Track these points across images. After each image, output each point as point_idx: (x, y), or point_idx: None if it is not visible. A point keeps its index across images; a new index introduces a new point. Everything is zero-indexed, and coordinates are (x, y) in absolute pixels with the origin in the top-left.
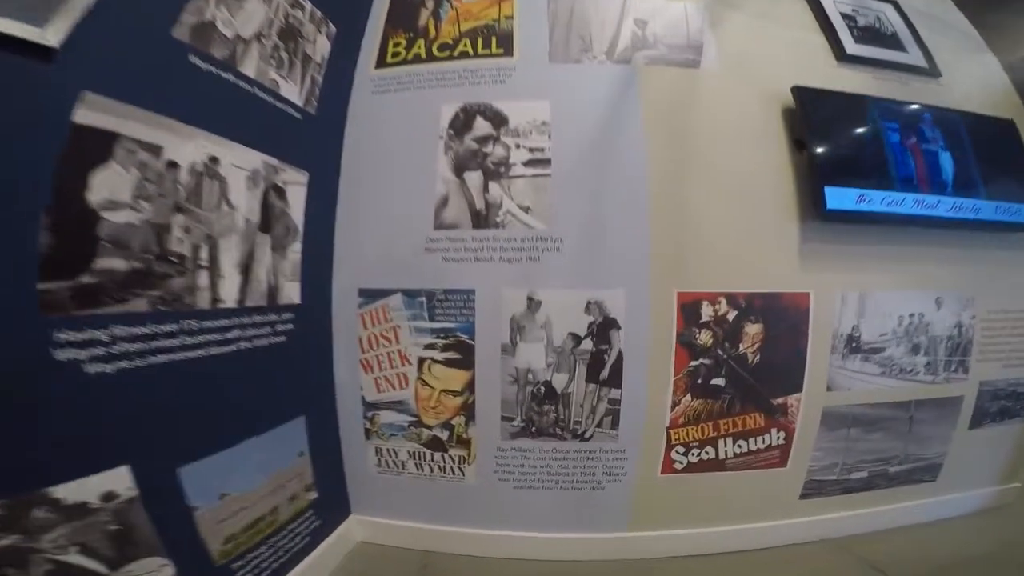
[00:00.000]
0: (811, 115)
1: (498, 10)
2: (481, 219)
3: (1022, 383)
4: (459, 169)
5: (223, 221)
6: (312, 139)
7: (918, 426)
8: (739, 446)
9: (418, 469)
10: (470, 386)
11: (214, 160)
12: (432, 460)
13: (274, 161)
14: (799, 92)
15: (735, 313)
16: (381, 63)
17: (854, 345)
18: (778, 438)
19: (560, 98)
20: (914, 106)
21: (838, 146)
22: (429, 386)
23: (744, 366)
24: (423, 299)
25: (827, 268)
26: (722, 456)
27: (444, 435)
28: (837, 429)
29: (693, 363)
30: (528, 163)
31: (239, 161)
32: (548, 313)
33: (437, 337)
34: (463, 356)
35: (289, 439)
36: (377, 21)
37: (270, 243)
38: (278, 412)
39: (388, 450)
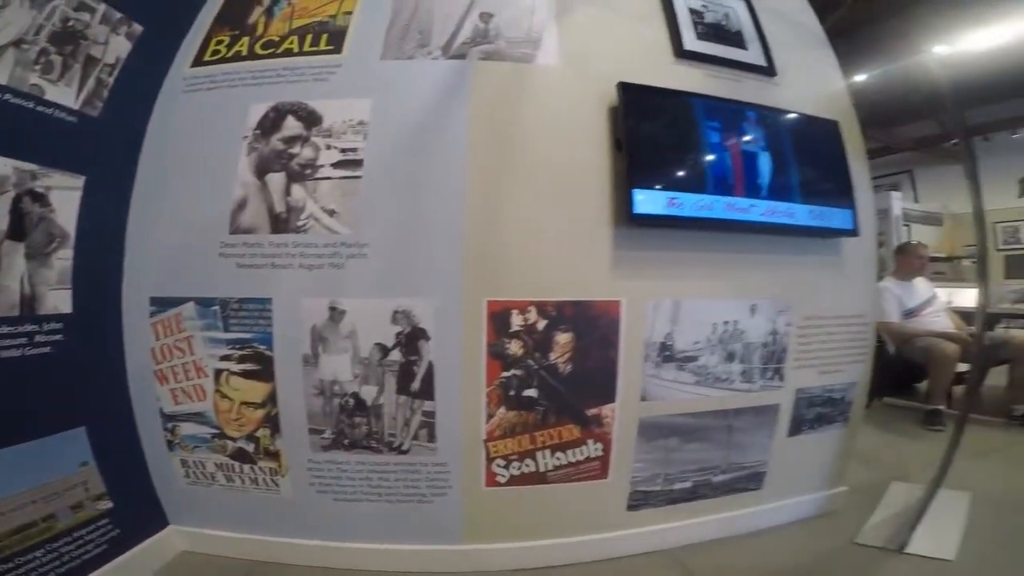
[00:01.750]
0: (631, 113)
1: (339, 5)
2: (281, 223)
3: (837, 389)
4: (261, 171)
5: None
6: (92, 142)
7: (737, 434)
8: (558, 458)
9: (228, 481)
10: (272, 398)
11: None
12: (241, 472)
13: (30, 166)
14: (623, 89)
15: (545, 322)
16: (198, 61)
17: (667, 354)
18: (596, 449)
19: (385, 96)
20: (740, 106)
21: (654, 146)
22: (228, 398)
23: (556, 376)
24: (217, 308)
25: (639, 275)
26: (543, 468)
27: (250, 447)
28: (655, 439)
29: (505, 374)
30: (338, 164)
31: None
32: (353, 322)
33: (232, 348)
34: (262, 367)
35: (63, 450)
36: (206, 18)
37: (23, 251)
38: (44, 423)
39: (195, 462)
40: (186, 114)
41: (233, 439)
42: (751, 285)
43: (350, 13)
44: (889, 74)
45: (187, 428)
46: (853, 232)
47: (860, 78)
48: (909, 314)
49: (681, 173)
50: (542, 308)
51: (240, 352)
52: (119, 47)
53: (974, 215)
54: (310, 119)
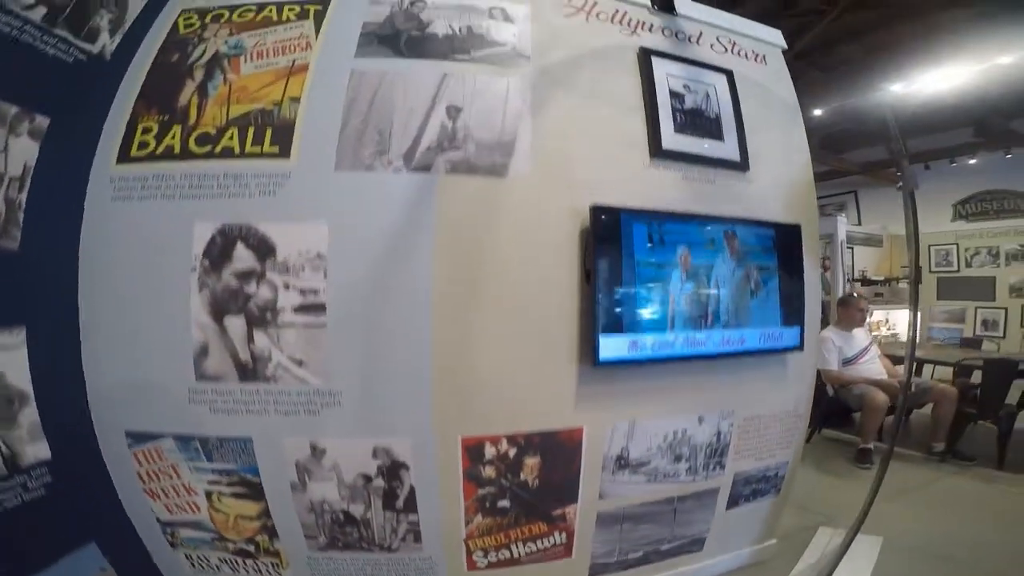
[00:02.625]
0: (602, 241)
1: (283, 89)
2: (249, 372)
3: (771, 468)
4: (217, 312)
5: None
6: (20, 286)
7: (681, 515)
8: (528, 547)
9: (233, 571)
10: (265, 512)
11: None
12: (245, 564)
13: None
14: (594, 212)
15: (515, 450)
16: (124, 156)
17: (622, 462)
18: (561, 538)
19: (341, 218)
20: (709, 223)
21: (620, 282)
22: (222, 512)
23: (525, 490)
24: (197, 445)
25: (600, 406)
26: (516, 555)
27: (250, 548)
28: (611, 526)
29: (481, 491)
30: (299, 309)
31: None
32: (335, 458)
33: (219, 475)
34: (251, 491)
35: (81, 563)
36: (127, 97)
37: None
38: (60, 547)
39: (198, 556)
40: (120, 230)
41: (234, 541)
42: (701, 401)
43: (297, 99)
44: (844, 105)
45: (186, 532)
46: (799, 348)
47: (817, 112)
48: (848, 362)
49: (645, 312)
50: (512, 439)
51: (228, 479)
52: (24, 151)
53: (908, 239)
54: (262, 248)
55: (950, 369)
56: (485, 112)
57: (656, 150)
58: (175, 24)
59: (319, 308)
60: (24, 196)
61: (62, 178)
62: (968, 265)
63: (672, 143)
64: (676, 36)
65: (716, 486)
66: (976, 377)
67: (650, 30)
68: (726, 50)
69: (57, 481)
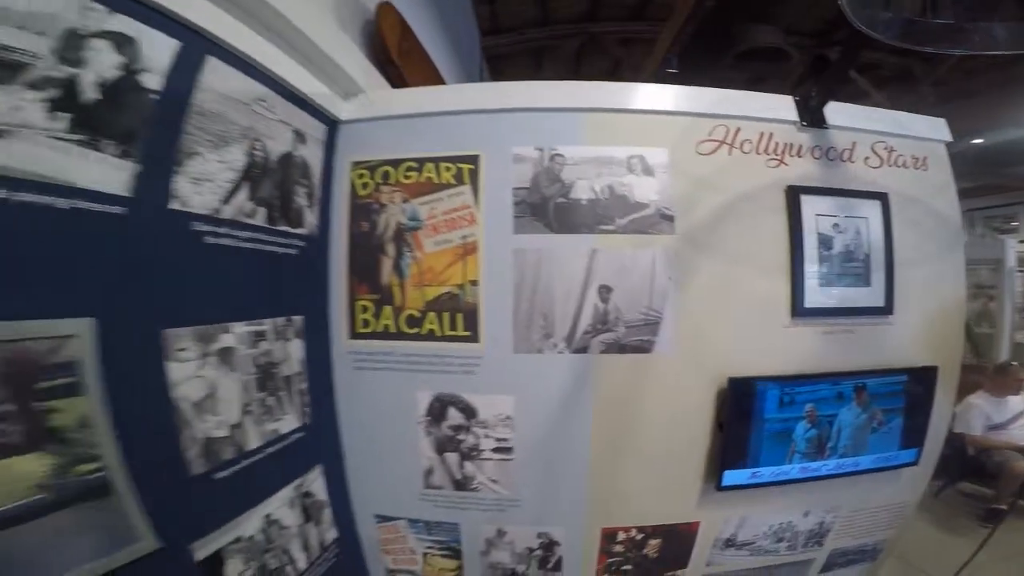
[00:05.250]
0: (736, 403)
1: (462, 271)
2: (460, 485)
3: (869, 545)
4: (439, 450)
5: None
6: (316, 444)
7: None
8: None
9: None
10: (460, 568)
11: None
12: None
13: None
14: (732, 383)
15: (642, 535)
16: (354, 333)
17: (729, 543)
18: None
19: (523, 392)
20: (843, 379)
21: (749, 433)
22: (431, 565)
23: (645, 560)
24: (422, 525)
25: (717, 508)
26: None
27: None
28: None
29: (609, 560)
30: (495, 450)
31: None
32: (512, 538)
33: (434, 543)
34: (454, 553)
35: None
36: (339, 271)
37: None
38: None
39: None
40: (363, 392)
41: None
42: (809, 501)
43: (476, 283)
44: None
45: None
46: (914, 463)
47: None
48: (997, 427)
49: (768, 453)
50: (641, 529)
51: (439, 546)
52: (296, 352)
53: None
54: (468, 411)
55: None
56: (633, 293)
57: (798, 310)
58: (352, 184)
59: (509, 450)
60: (306, 385)
61: (320, 360)
62: None
63: (815, 300)
64: (827, 155)
65: (812, 557)
66: None
67: (799, 154)
68: (882, 161)
69: (340, 551)
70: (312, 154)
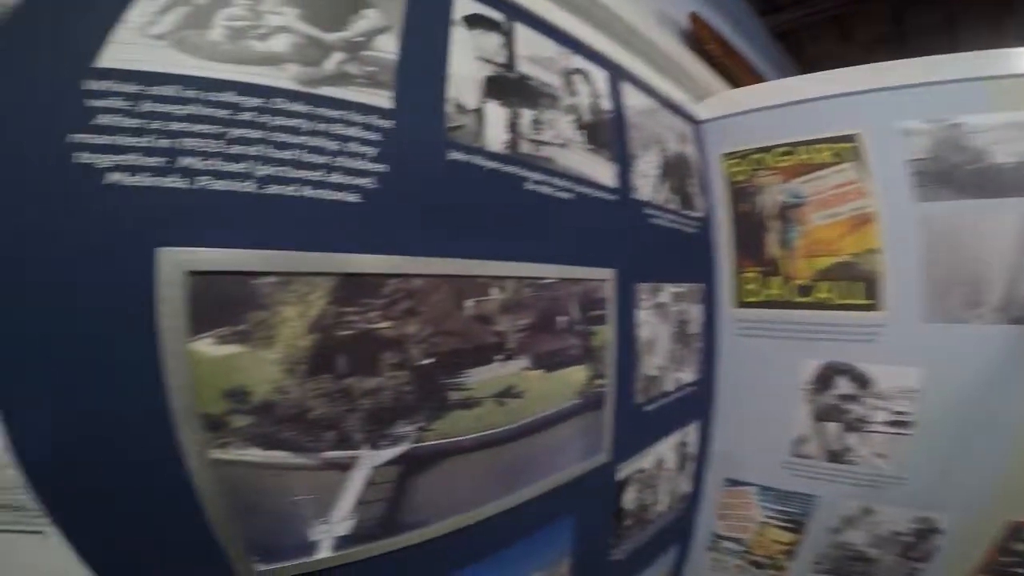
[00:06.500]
0: None
1: (859, 241)
2: (834, 456)
3: None
4: (819, 419)
5: None
6: (704, 391)
7: None
8: None
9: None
10: (796, 542)
11: None
12: (753, 570)
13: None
14: None
15: None
16: (739, 301)
17: None
18: None
19: (934, 365)
20: None
21: None
22: (763, 535)
23: None
24: (773, 493)
25: None
26: None
27: (767, 561)
28: None
29: (1002, 558)
30: (889, 423)
31: None
32: (880, 518)
33: (778, 513)
34: (796, 526)
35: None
36: (725, 251)
37: None
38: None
39: (718, 557)
40: (744, 359)
41: (754, 554)
42: None
43: (875, 252)
44: None
45: (726, 544)
46: None
47: None
48: None
49: None
50: None
51: (783, 516)
52: (695, 316)
53: None
54: (861, 381)
55: None
56: None
57: None
58: (726, 172)
59: (906, 424)
60: (700, 345)
61: (711, 324)
62: None
63: None
64: None
65: None
66: None
67: None
68: None
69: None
70: (691, 150)
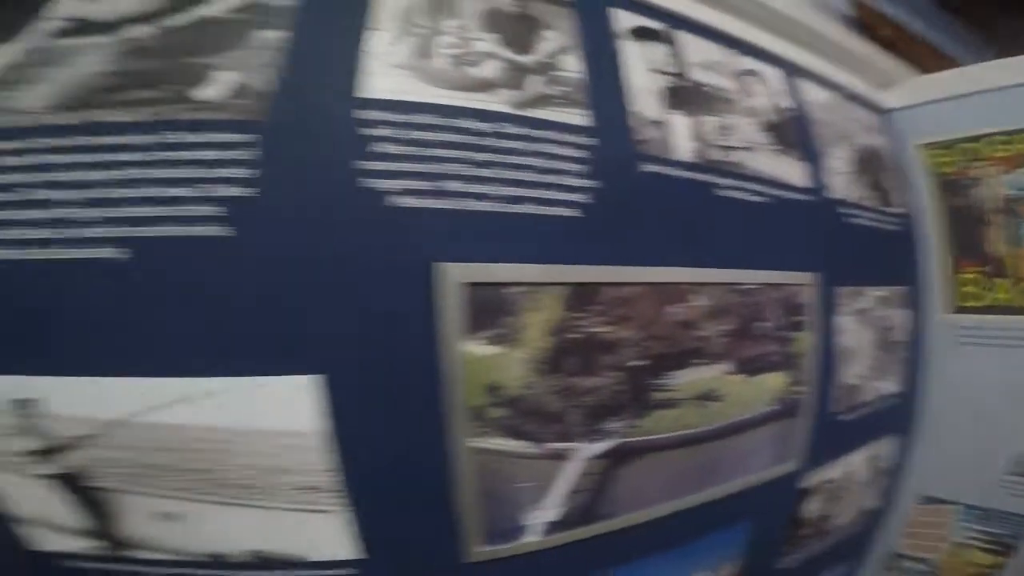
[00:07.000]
0: None
1: None
2: None
3: None
4: None
5: None
6: (907, 403)
7: None
8: None
9: None
10: (1000, 566)
11: None
12: None
13: None
14: None
15: None
16: (956, 306)
17: None
18: None
19: None
20: None
21: None
22: (959, 558)
23: None
24: (980, 512)
25: None
26: None
27: None
28: None
29: None
30: None
31: None
32: None
33: (982, 534)
34: (1003, 548)
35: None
36: (934, 249)
37: None
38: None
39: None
40: (963, 369)
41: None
42: None
43: None
44: None
45: (907, 564)
46: None
47: None
48: None
49: None
50: None
51: (987, 537)
52: (899, 321)
53: None
54: None
55: None
56: None
57: None
58: (929, 163)
59: None
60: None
61: (917, 331)
62: None
63: None
64: None
65: None
66: None
67: None
68: None
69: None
70: (882, 142)
